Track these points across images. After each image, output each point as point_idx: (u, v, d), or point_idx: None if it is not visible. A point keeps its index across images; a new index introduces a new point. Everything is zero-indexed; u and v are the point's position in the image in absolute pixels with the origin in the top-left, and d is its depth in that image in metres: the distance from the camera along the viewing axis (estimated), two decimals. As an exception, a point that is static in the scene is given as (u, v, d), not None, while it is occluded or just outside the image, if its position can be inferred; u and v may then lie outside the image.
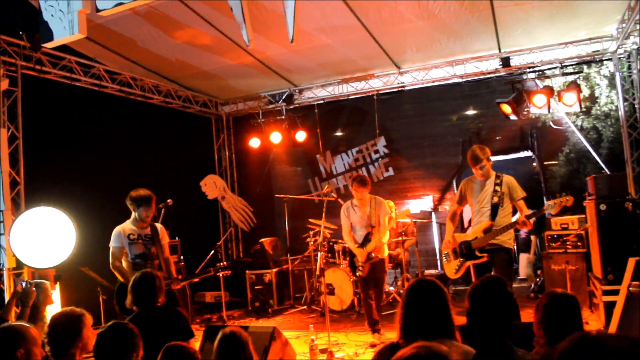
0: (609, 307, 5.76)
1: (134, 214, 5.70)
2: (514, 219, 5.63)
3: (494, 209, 5.58)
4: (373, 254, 6.64)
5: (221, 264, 6.29)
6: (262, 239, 9.80)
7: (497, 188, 5.62)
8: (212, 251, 8.37)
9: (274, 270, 9.33)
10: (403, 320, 2.76)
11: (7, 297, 6.24)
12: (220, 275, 5.93)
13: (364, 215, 6.78)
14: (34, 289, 4.58)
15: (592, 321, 6.67)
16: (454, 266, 5.82)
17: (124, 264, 5.60)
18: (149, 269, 5.47)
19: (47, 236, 6.19)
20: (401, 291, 7.73)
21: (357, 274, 6.79)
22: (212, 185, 10.99)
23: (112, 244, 5.61)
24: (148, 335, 3.27)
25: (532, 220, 5.43)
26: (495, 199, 5.58)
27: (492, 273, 5.43)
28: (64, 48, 7.24)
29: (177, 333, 3.81)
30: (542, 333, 2.91)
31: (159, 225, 5.86)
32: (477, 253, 5.59)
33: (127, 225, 5.69)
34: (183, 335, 3.87)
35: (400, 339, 2.73)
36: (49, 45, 5.13)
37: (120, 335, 3.04)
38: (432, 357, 1.87)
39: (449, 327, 2.71)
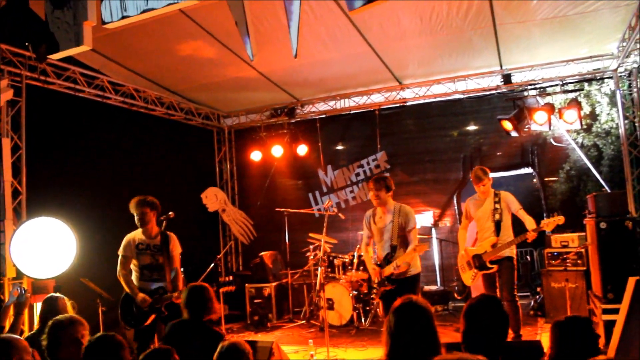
0: (609, 326, 5.74)
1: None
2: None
3: (497, 226, 6.28)
4: (393, 276, 5.65)
5: (225, 278, 6.21)
6: (262, 253, 9.78)
7: (497, 206, 6.32)
8: (212, 264, 8.35)
9: (274, 284, 9.31)
10: (390, 341, 2.75)
11: (6, 307, 6.24)
12: (222, 291, 5.90)
13: (384, 226, 5.80)
14: (28, 295, 4.59)
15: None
16: (470, 276, 6.47)
17: (134, 272, 5.63)
18: (161, 282, 5.55)
19: (47, 247, 6.19)
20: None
21: (372, 295, 5.94)
22: (213, 198, 11.00)
23: (120, 252, 5.65)
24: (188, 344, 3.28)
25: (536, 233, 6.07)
26: (497, 216, 6.29)
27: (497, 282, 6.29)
28: (68, 59, 7.25)
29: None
30: None
31: (172, 235, 5.80)
32: (488, 264, 6.26)
33: (138, 234, 5.69)
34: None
35: (387, 358, 2.72)
36: (54, 56, 5.17)
37: (107, 348, 3.02)
38: None
39: (436, 348, 2.71)
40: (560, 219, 5.97)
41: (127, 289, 5.55)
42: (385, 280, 5.69)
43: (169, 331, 4.35)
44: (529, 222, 6.14)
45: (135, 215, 5.63)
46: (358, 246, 8.66)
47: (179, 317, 5.46)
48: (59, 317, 3.56)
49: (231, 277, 6.21)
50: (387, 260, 5.74)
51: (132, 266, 5.67)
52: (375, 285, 5.79)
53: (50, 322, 3.46)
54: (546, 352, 2.99)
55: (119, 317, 5.53)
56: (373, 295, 5.86)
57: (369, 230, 6.00)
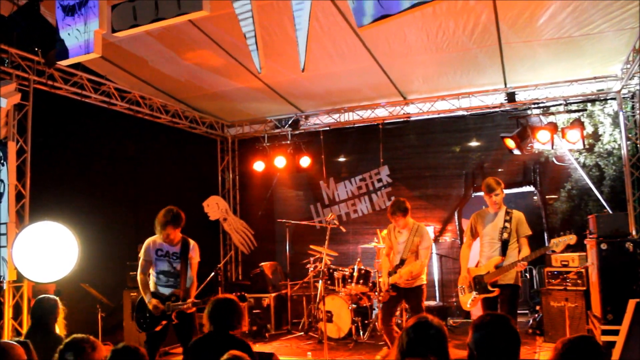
0: (608, 347, 5.74)
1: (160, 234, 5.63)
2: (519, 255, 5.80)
3: (504, 245, 5.79)
4: (397, 285, 6.32)
5: (239, 293, 6.00)
6: (262, 263, 9.78)
7: (507, 224, 5.82)
8: (213, 273, 8.34)
9: (273, 294, 9.31)
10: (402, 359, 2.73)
11: (6, 310, 6.25)
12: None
13: (401, 241, 6.45)
14: None
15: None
16: (468, 299, 5.95)
17: (151, 276, 5.65)
18: (176, 288, 5.55)
19: (49, 251, 6.21)
20: (399, 321, 7.70)
21: (379, 297, 6.68)
22: (215, 207, 11.01)
23: (141, 255, 5.66)
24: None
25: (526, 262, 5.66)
26: (505, 235, 5.79)
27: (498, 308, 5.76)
28: (75, 65, 7.28)
29: None
30: None
31: (192, 243, 5.77)
32: (489, 287, 5.75)
33: (159, 239, 5.66)
34: None
35: None
36: (63, 62, 5.23)
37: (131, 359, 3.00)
38: None
39: None
40: (572, 239, 5.49)
41: (142, 293, 5.58)
42: (391, 287, 6.37)
43: (193, 348, 4.14)
44: (523, 252, 5.72)
45: (171, 229, 5.54)
46: (358, 259, 8.66)
47: (188, 325, 5.51)
48: (84, 337, 3.26)
49: (243, 293, 5.85)
50: (395, 271, 6.38)
51: (150, 269, 5.67)
52: (387, 289, 6.39)
53: (69, 340, 3.22)
54: None
55: (133, 319, 5.50)
56: (380, 297, 6.58)
57: (389, 242, 6.64)
